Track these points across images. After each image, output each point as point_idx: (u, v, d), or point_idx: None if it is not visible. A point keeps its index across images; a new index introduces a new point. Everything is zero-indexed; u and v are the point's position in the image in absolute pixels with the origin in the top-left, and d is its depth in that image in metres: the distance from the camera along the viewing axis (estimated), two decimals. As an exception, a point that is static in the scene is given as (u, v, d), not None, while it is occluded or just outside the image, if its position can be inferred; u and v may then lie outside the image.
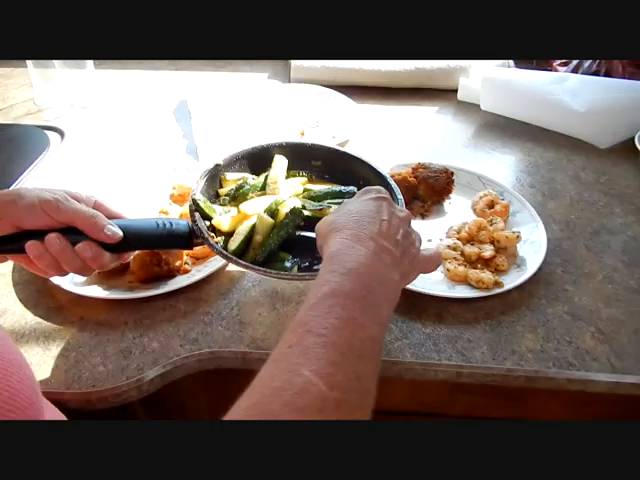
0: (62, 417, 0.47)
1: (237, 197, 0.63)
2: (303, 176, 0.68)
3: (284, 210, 0.60)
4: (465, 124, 1.01)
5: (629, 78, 0.98)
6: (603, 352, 0.58)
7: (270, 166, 0.66)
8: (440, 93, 1.08)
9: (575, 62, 1.06)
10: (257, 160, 0.67)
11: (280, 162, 0.66)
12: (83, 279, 0.65)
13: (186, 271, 0.66)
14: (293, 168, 0.68)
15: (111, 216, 0.55)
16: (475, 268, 0.66)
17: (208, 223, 0.59)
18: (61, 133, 0.94)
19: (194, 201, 0.59)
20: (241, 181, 0.64)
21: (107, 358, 0.57)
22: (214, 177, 0.64)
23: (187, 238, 0.56)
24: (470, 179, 0.81)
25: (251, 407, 0.33)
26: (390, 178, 0.63)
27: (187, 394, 0.66)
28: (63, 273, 0.53)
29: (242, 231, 0.59)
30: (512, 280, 0.64)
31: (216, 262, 0.66)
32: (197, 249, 0.67)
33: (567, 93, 0.94)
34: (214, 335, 0.60)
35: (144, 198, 0.77)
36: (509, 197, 0.77)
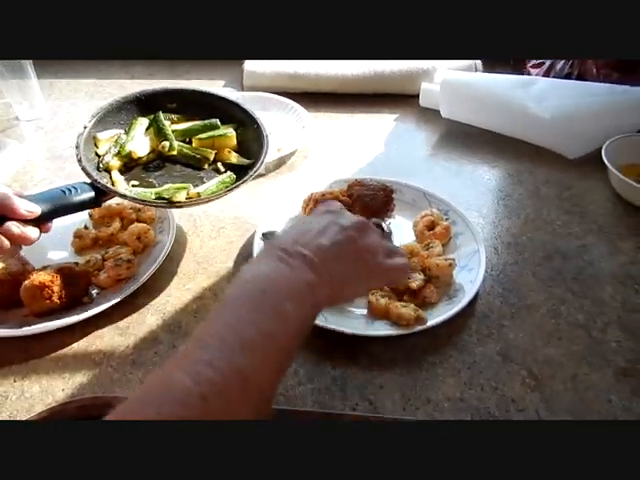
0: None
1: (119, 152, 0.66)
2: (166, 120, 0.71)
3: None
4: (426, 133, 0.94)
5: (603, 81, 0.89)
6: (532, 402, 0.51)
7: (134, 118, 0.70)
8: (402, 99, 1.01)
9: (548, 63, 0.98)
10: (121, 115, 0.70)
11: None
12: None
13: (87, 303, 0.61)
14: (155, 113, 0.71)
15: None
16: (402, 300, 0.59)
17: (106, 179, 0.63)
18: (-6, 148, 0.90)
19: (83, 168, 0.61)
20: (115, 137, 0.68)
21: (-18, 404, 0.53)
22: (89, 139, 0.66)
23: (94, 197, 0.59)
24: (415, 196, 0.74)
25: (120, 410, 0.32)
26: (250, 110, 0.72)
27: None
28: None
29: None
30: (440, 314, 0.57)
31: (118, 294, 0.61)
32: (103, 279, 0.63)
33: (533, 98, 0.86)
34: (101, 377, 0.55)
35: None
36: (454, 216, 0.70)
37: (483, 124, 0.91)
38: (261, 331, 0.36)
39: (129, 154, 0.66)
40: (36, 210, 0.54)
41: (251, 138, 0.70)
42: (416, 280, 0.60)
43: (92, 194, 0.59)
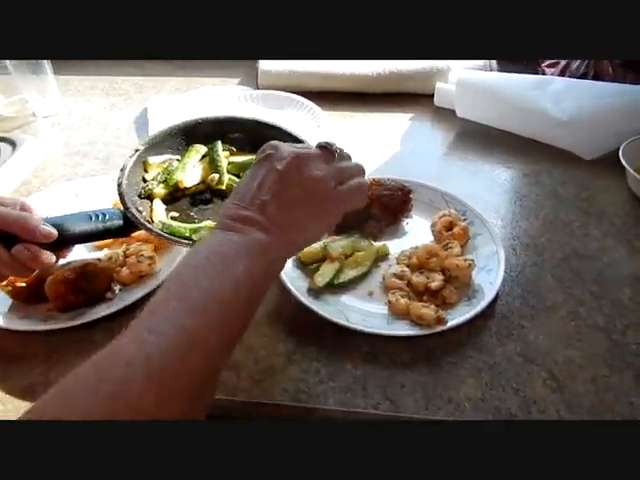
0: None
1: (166, 180, 0.63)
2: (224, 150, 0.68)
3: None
4: (441, 133, 0.94)
5: (619, 81, 0.89)
6: (553, 403, 0.51)
7: (191, 144, 0.67)
8: (417, 98, 1.01)
9: (563, 63, 0.97)
10: (178, 140, 0.67)
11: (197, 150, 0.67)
12: (3, 308, 0.61)
13: (109, 299, 0.62)
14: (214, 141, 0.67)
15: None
16: (421, 300, 0.59)
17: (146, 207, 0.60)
18: (12, 144, 0.90)
19: (120, 194, 0.58)
20: (166, 164, 0.64)
21: (7, 396, 0.53)
22: (138, 162, 0.63)
23: (122, 227, 0.57)
24: (432, 196, 0.75)
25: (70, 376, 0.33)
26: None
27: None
28: (4, 277, 0.54)
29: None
30: (460, 315, 0.57)
31: (140, 290, 0.62)
32: (125, 275, 0.63)
33: (549, 99, 0.86)
34: (125, 373, 0.55)
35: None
36: (472, 217, 0.70)
37: (499, 124, 0.91)
38: (206, 291, 0.36)
39: (176, 183, 0.63)
40: (52, 234, 0.52)
41: None
42: (435, 280, 0.60)
43: (120, 223, 0.57)
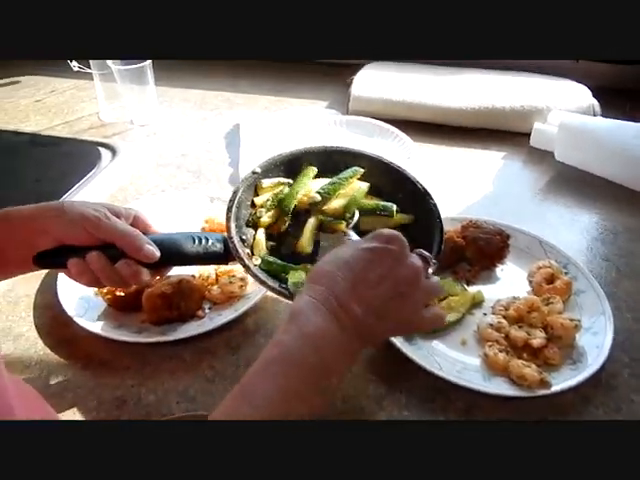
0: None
1: (277, 206, 0.60)
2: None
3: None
4: (535, 174, 0.90)
5: None
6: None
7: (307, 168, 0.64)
8: (510, 136, 0.98)
9: (675, 114, 0.92)
10: (294, 166, 0.64)
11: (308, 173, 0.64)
12: (97, 312, 0.63)
13: (200, 317, 0.63)
14: (326, 173, 0.64)
15: (149, 231, 0.57)
16: (520, 357, 0.56)
17: (250, 235, 0.58)
18: (113, 150, 0.94)
19: (227, 218, 0.56)
20: (278, 189, 0.62)
21: (101, 405, 0.55)
22: (251, 186, 0.61)
23: (223, 255, 0.56)
24: (530, 243, 0.71)
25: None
26: (432, 198, 0.61)
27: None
28: (102, 287, 0.56)
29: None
30: (564, 379, 0.54)
31: (230, 312, 0.62)
32: (216, 294, 0.64)
33: (660, 151, 0.81)
34: (214, 396, 0.55)
35: (175, 227, 0.74)
36: (574, 271, 0.66)
37: (601, 171, 0.87)
38: (310, 408, 0.39)
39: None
40: (154, 256, 0.53)
41: (422, 239, 0.57)
42: (537, 337, 0.57)
43: (221, 250, 0.56)
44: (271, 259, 0.55)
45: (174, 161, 0.94)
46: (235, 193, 0.58)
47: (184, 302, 0.61)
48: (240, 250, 0.54)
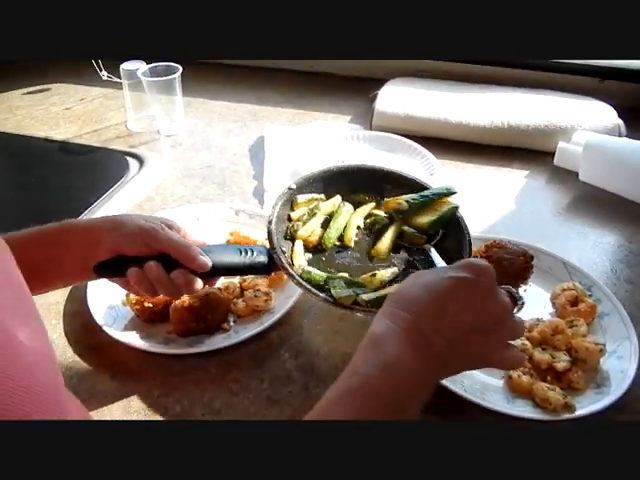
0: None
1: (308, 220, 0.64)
2: (371, 201, 0.68)
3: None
4: (558, 194, 0.90)
5: None
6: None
7: (341, 189, 0.67)
8: (534, 155, 0.98)
9: (702, 136, 0.91)
10: (329, 182, 0.67)
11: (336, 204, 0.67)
12: (125, 322, 0.64)
13: (225, 330, 0.64)
14: (364, 191, 0.68)
15: (196, 244, 0.58)
16: (544, 380, 0.56)
17: (287, 248, 0.61)
18: (140, 160, 0.96)
19: (269, 232, 0.59)
20: (313, 204, 0.65)
21: (128, 415, 0.56)
22: (287, 201, 0.65)
23: (266, 266, 0.58)
24: (553, 264, 0.71)
25: None
26: (462, 218, 0.64)
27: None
28: (156, 295, 0.57)
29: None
30: (588, 403, 0.54)
31: (255, 325, 0.63)
32: (241, 307, 0.65)
33: (688, 174, 0.81)
34: (238, 409, 0.56)
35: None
36: (598, 294, 0.66)
37: (625, 192, 0.86)
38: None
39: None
40: (207, 266, 0.55)
41: (450, 251, 0.61)
42: (562, 361, 0.57)
43: (265, 261, 0.58)
44: (311, 269, 0.58)
45: (200, 172, 0.96)
46: (274, 207, 0.61)
47: (210, 315, 0.62)
48: (284, 261, 0.57)
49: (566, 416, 0.52)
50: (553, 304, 0.67)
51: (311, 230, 0.63)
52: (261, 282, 0.68)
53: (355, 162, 0.69)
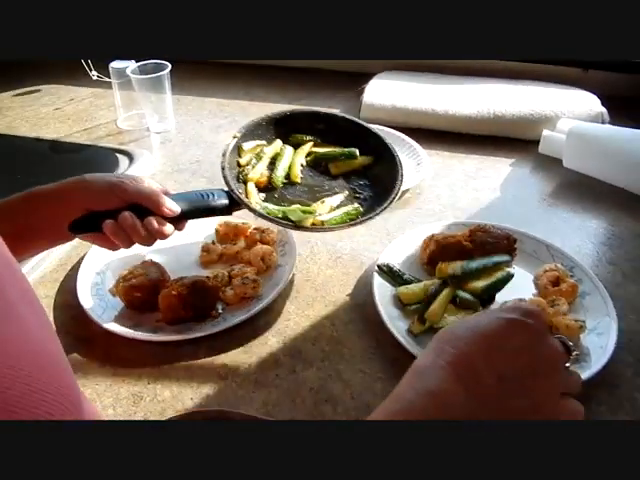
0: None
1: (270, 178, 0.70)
2: (309, 141, 0.75)
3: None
4: (543, 181, 0.91)
5: None
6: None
7: (280, 134, 0.75)
8: (519, 144, 0.99)
9: (684, 121, 0.93)
10: (268, 129, 0.75)
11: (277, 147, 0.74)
12: (114, 312, 0.65)
13: (214, 317, 0.65)
14: (301, 132, 0.75)
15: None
16: (525, 357, 0.57)
17: (242, 190, 0.67)
18: (130, 157, 0.97)
19: (224, 176, 0.65)
20: (258, 150, 0.72)
21: (118, 401, 0.57)
22: (235, 148, 0.71)
23: (227, 206, 0.63)
24: (537, 248, 0.73)
25: None
26: (390, 144, 0.73)
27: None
28: (131, 245, 0.60)
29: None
30: (568, 379, 0.55)
31: (243, 312, 0.64)
32: (229, 295, 0.66)
33: (668, 157, 0.82)
34: (226, 392, 0.57)
35: (188, 232, 0.76)
36: (580, 274, 0.68)
37: (609, 178, 0.88)
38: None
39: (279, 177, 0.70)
40: (176, 210, 0.59)
41: (385, 174, 0.70)
42: (543, 339, 0.58)
43: (226, 202, 0.63)
44: (267, 204, 0.66)
45: (189, 167, 0.97)
46: (224, 156, 0.68)
47: (198, 302, 0.63)
48: (243, 198, 0.63)
49: (547, 391, 0.53)
50: (536, 285, 0.68)
51: (260, 172, 0.70)
52: (249, 270, 0.69)
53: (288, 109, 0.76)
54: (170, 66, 1.02)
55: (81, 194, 0.57)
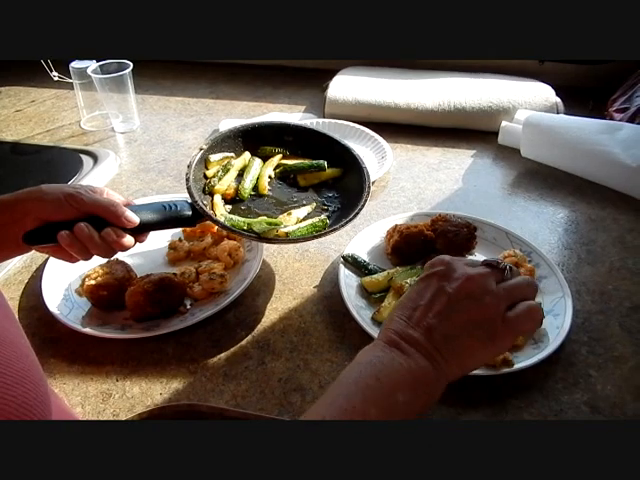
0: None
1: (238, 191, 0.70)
2: (278, 153, 0.75)
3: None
4: (503, 171, 0.94)
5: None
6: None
7: (248, 146, 0.75)
8: (480, 135, 1.02)
9: (633, 109, 0.97)
10: (236, 141, 0.74)
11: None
12: (81, 312, 0.65)
13: (182, 313, 0.65)
14: (269, 144, 0.75)
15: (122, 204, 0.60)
16: (486, 339, 0.60)
17: (208, 201, 0.67)
18: (94, 157, 0.96)
19: (188, 188, 0.64)
20: (225, 162, 0.72)
21: (87, 399, 0.57)
22: (201, 160, 0.70)
23: (190, 217, 0.62)
24: (497, 235, 0.75)
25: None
26: (358, 156, 0.71)
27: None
28: (89, 257, 0.58)
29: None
30: (526, 358, 0.57)
31: (211, 307, 0.65)
32: (197, 291, 0.66)
33: (619, 144, 0.86)
34: (196, 386, 0.58)
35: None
36: (537, 259, 0.70)
37: (565, 166, 0.91)
38: (362, 414, 0.38)
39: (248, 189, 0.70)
40: (135, 221, 0.58)
41: (353, 186, 0.69)
42: (502, 321, 0.60)
43: (189, 214, 0.62)
44: (233, 216, 0.65)
45: (155, 166, 0.96)
46: (189, 167, 0.67)
47: (166, 298, 0.64)
48: (208, 211, 0.62)
49: (505, 370, 0.56)
50: (496, 271, 0.70)
51: (227, 184, 0.69)
52: (216, 266, 0.69)
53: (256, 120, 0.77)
54: (132, 65, 1.01)
55: (35, 204, 0.55)
